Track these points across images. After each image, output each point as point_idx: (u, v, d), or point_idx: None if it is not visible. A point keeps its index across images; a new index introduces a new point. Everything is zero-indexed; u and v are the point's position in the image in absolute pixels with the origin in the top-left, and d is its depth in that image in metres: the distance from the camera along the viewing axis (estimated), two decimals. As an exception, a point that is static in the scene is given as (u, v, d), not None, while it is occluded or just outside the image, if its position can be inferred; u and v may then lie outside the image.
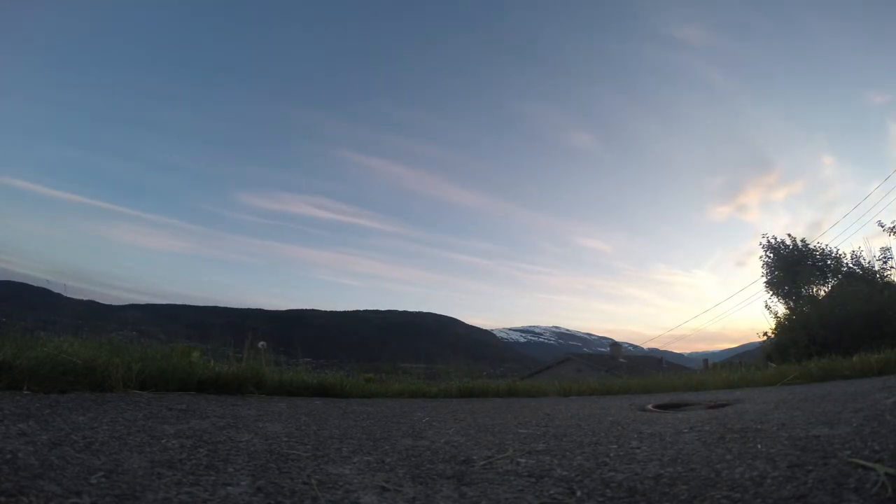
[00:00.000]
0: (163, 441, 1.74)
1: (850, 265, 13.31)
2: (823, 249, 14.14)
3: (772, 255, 14.63)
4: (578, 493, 1.31)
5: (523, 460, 1.71)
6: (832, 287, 13.07)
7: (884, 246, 12.81)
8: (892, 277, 12.27)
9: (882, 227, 12.74)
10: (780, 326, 12.37)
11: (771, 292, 14.29)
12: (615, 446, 1.92)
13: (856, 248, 14.27)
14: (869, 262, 12.92)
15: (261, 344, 4.77)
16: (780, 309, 13.66)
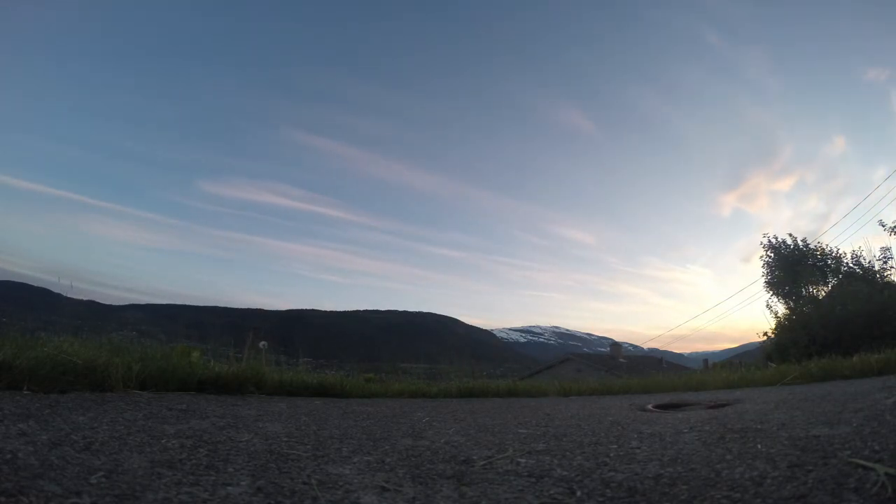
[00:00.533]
0: (163, 441, 1.74)
1: (851, 265, 13.31)
2: (824, 249, 14.14)
3: (772, 254, 14.62)
4: (578, 493, 1.31)
5: (523, 460, 1.71)
6: (832, 287, 13.06)
7: (884, 246, 12.82)
8: (892, 277, 12.27)
9: (883, 226, 12.76)
10: (781, 326, 12.36)
11: (771, 292, 14.29)
12: (615, 446, 1.92)
13: (856, 248, 14.28)
14: (869, 262, 12.92)
15: (262, 344, 4.77)
16: (781, 309, 13.67)
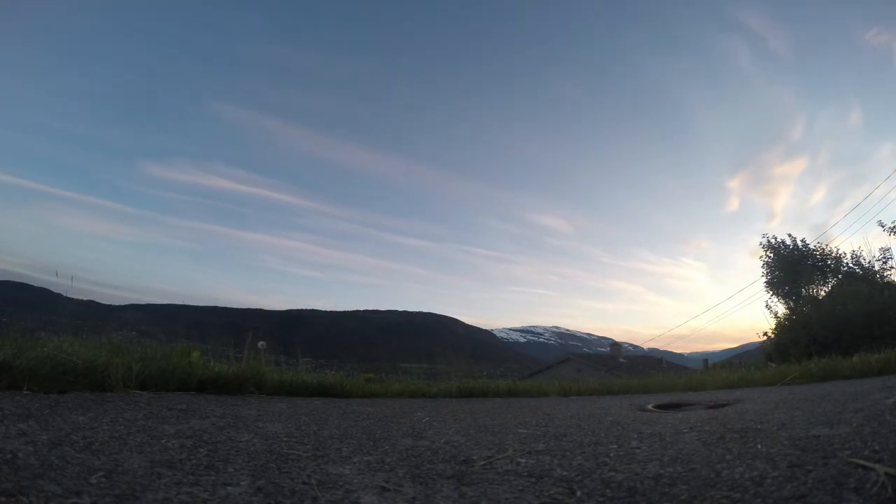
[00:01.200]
0: (163, 441, 1.74)
1: (850, 265, 13.33)
2: (824, 249, 14.17)
3: (772, 254, 14.66)
4: (578, 493, 1.31)
5: (523, 460, 1.71)
6: (832, 287, 13.08)
7: (884, 246, 12.84)
8: (892, 277, 12.29)
9: (882, 226, 12.77)
10: (781, 326, 12.38)
11: (771, 292, 14.32)
12: (615, 446, 1.92)
13: (856, 248, 14.31)
14: (869, 262, 12.95)
15: (261, 344, 4.77)
16: (781, 309, 13.69)
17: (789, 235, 14.77)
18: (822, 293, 13.19)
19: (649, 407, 3.41)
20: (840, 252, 13.81)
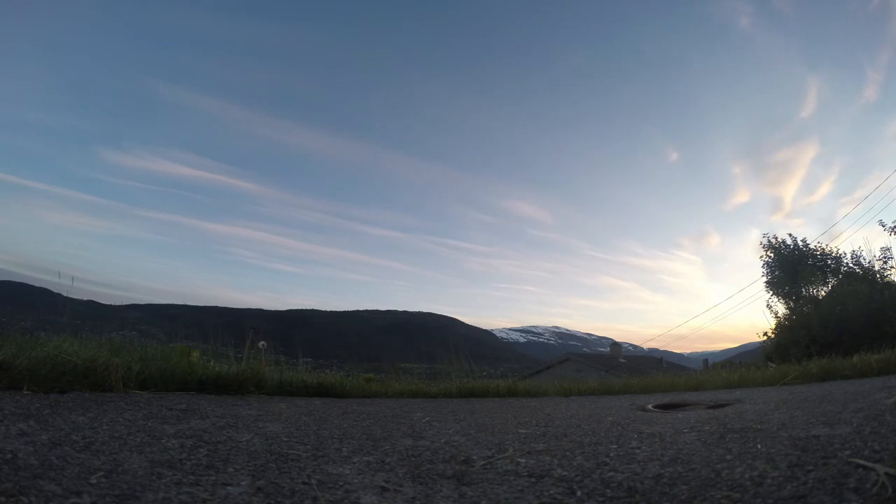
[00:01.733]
0: (163, 441, 1.74)
1: (851, 265, 13.35)
2: (824, 249, 14.19)
3: (772, 254, 14.67)
4: (578, 493, 1.31)
5: (523, 460, 1.71)
6: (832, 287, 13.09)
7: (884, 245, 12.85)
8: (892, 277, 12.29)
9: (883, 226, 12.78)
10: (781, 326, 12.39)
11: (771, 292, 14.33)
12: (615, 446, 1.92)
13: (856, 248, 14.34)
14: (869, 262, 12.96)
15: (261, 344, 4.77)
16: (781, 309, 13.71)
17: (790, 235, 14.81)
18: (822, 293, 13.20)
19: (649, 407, 3.41)
20: (840, 252, 13.85)
